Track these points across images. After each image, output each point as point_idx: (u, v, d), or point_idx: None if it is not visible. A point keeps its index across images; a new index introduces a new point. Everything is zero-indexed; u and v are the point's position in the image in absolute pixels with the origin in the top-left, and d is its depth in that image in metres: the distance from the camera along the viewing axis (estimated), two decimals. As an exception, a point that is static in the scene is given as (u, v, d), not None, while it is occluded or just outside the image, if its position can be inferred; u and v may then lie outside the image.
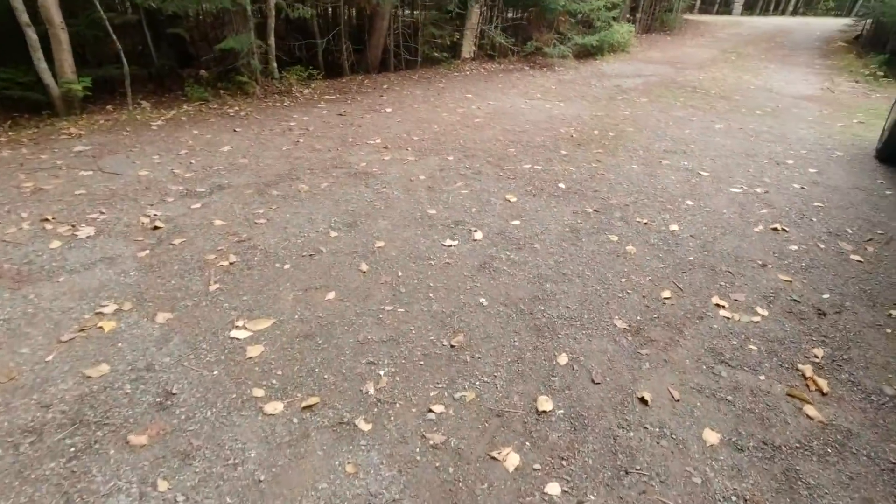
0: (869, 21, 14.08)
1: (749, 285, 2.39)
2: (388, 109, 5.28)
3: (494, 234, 2.77)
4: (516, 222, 2.92)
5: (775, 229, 2.94)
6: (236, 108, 5.09)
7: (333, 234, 2.70)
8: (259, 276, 2.30)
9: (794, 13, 25.00)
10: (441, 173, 3.59)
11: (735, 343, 2.00)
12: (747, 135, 4.89)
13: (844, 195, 3.45)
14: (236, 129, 4.40)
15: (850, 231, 2.95)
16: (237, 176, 3.40)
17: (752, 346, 1.97)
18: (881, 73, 8.40)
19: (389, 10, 6.80)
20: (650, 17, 13.65)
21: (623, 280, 2.39)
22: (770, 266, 2.56)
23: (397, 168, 3.67)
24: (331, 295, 2.18)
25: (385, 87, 6.36)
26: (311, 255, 2.49)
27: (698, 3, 23.49)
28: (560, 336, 1.99)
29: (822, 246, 2.78)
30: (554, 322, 2.07)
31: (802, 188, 3.56)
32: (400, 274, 2.35)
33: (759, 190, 3.49)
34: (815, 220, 3.08)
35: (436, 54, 7.64)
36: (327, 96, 5.83)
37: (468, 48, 8.15)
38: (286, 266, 2.38)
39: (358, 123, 4.75)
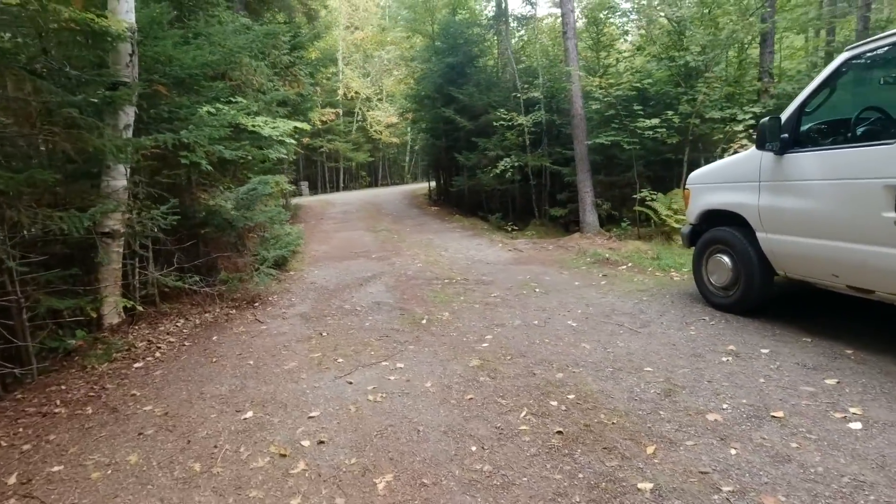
0: (433, 185, 18.09)
1: None
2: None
3: None
4: None
5: None
6: None
7: None
8: None
9: (346, 188, 30.08)
10: None
11: None
12: (605, 324, 4.26)
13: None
14: None
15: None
16: None
17: None
18: (515, 229, 10.20)
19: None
20: (275, 209, 12.83)
21: None
22: None
23: None
24: None
25: None
26: None
27: (273, 189, 24.86)
28: None
29: None
30: None
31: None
32: None
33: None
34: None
35: (69, 342, 3.99)
36: None
37: (115, 308, 4.75)
38: None
39: None
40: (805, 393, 2.86)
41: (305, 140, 18.55)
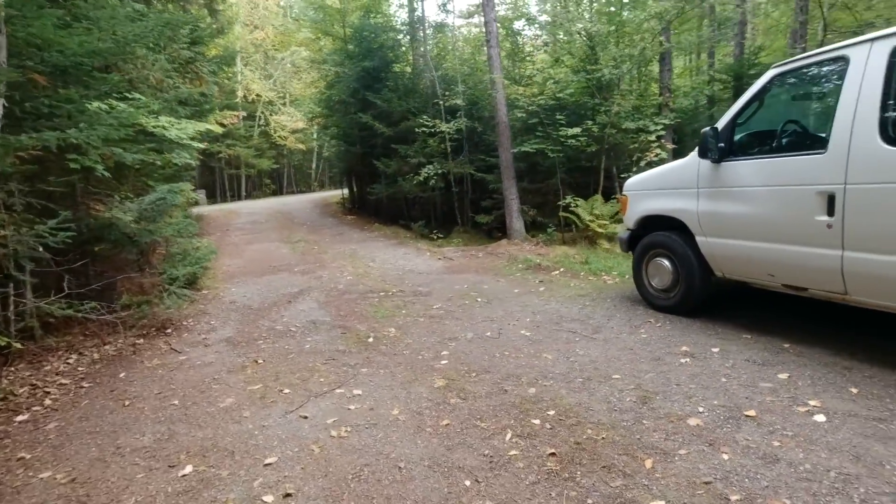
0: (348, 193, 17.48)
1: None
2: None
3: None
4: None
5: None
6: None
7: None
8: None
9: (249, 197, 28.13)
10: None
11: None
12: (557, 332, 4.25)
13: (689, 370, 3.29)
14: None
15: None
16: None
17: None
18: (440, 237, 10.05)
19: None
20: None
21: None
22: None
23: None
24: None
25: None
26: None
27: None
28: None
29: None
30: None
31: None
32: None
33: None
34: None
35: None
36: None
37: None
38: None
39: None
40: (765, 389, 2.99)
41: (203, 144, 16.92)
